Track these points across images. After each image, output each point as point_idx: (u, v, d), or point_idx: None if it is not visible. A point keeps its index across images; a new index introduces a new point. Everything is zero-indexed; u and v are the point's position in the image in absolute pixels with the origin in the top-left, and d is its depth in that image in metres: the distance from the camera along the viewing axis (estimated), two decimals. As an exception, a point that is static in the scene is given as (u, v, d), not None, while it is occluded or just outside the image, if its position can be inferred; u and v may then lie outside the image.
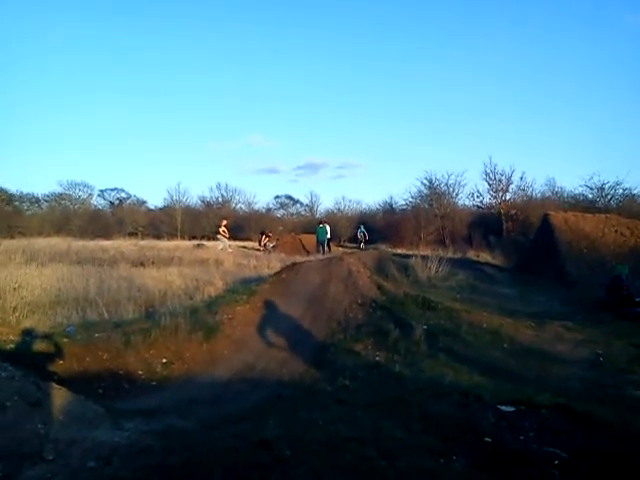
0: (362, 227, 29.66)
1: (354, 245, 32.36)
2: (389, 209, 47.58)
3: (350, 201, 51.92)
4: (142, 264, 16.11)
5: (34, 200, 52.19)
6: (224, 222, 25.58)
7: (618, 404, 5.12)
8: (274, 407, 5.07)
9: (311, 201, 55.46)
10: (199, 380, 6.52)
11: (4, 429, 3.34)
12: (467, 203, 42.37)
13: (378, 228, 32.69)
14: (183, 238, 44.41)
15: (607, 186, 34.69)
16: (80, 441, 3.50)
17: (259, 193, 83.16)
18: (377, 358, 7.08)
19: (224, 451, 3.58)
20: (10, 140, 66.78)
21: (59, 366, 6.04)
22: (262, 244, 26.15)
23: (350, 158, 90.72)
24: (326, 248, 23.13)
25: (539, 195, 38.44)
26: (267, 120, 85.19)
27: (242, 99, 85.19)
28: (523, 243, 24.60)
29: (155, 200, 72.40)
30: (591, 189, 35.43)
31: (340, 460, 3.47)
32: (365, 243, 30.11)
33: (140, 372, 6.39)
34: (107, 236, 36.58)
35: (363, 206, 51.66)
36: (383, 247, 26.30)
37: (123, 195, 57.68)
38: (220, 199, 55.22)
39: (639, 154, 61.18)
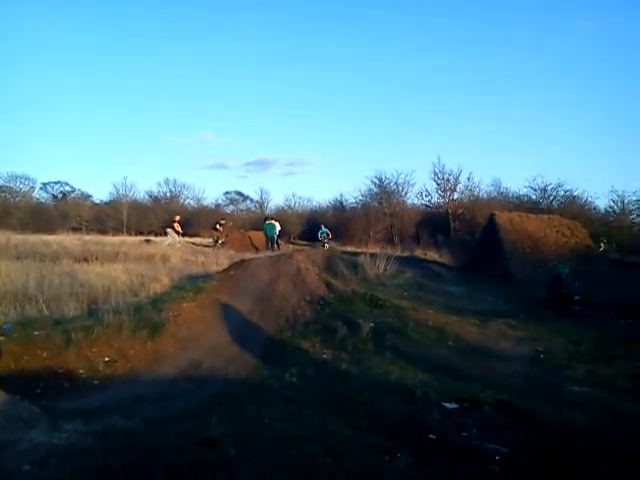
0: (323, 227, 28.77)
1: (305, 242, 32.29)
2: (339, 207, 47.88)
3: (300, 198, 51.83)
4: (86, 259, 15.64)
5: (-30, 192, 50.07)
6: (177, 218, 25.21)
7: (558, 400, 5.28)
8: (220, 405, 5.03)
9: (261, 197, 55.17)
10: (143, 379, 6.38)
11: None
12: (416, 202, 43.21)
13: (328, 225, 32.77)
14: (129, 233, 43.45)
15: (550, 187, 36.12)
16: (14, 443, 3.37)
17: (208, 189, 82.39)
18: (325, 356, 7.09)
19: (167, 450, 3.51)
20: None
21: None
22: (215, 237, 25.83)
23: (301, 155, 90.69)
24: (275, 245, 22.95)
25: (485, 195, 39.73)
26: (218, 117, 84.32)
27: (193, 95, 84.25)
28: (470, 242, 25.11)
29: (101, 194, 70.26)
30: (535, 190, 36.86)
31: (286, 458, 3.46)
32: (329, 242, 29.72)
33: (81, 371, 6.20)
34: (50, 230, 35.38)
35: (314, 203, 51.74)
36: (333, 245, 26.36)
37: (67, 189, 55.91)
38: (168, 194, 54.42)
39: (582, 155, 63.71)
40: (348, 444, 3.79)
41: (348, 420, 4.37)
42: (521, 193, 38.24)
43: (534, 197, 36.81)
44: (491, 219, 19.18)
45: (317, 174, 79.00)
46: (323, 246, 25.18)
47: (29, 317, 7.66)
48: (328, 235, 27.65)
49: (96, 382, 6.04)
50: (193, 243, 27.84)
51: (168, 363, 6.94)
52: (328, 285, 10.34)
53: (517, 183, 71.24)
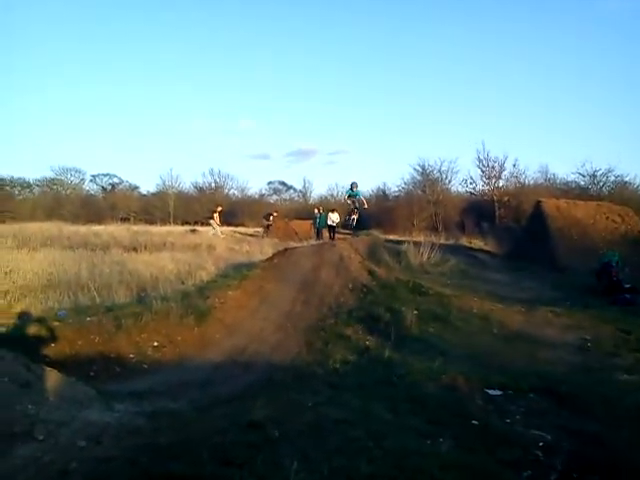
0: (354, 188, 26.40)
1: (347, 232, 31.98)
2: (382, 195, 47.48)
3: (343, 187, 51.81)
4: (134, 249, 16.13)
5: (25, 185, 52.05)
6: (218, 208, 25.48)
7: (603, 387, 5.18)
8: (264, 390, 5.11)
9: (304, 187, 55.51)
10: (190, 363, 6.54)
11: (-4, 410, 3.37)
12: (460, 190, 42.58)
13: (371, 215, 32.43)
14: (176, 223, 44.37)
15: (599, 173, 34.87)
16: (70, 421, 3.54)
17: (252, 179, 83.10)
18: (367, 343, 7.12)
19: (213, 431, 3.62)
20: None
21: (51, 349, 6.07)
22: (266, 226, 25.98)
23: (341, 144, 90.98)
24: (331, 234, 21.83)
25: (532, 182, 38.63)
26: (259, 106, 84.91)
27: (235, 85, 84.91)
28: (515, 230, 24.63)
29: (148, 186, 72.09)
30: (583, 176, 35.63)
31: (328, 441, 3.51)
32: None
33: (131, 355, 6.42)
34: (99, 221, 36.44)
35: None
36: (376, 233, 26.12)
37: (115, 180, 57.54)
38: (213, 185, 55.17)
39: (631, 141, 61.47)
40: (390, 428, 3.82)
41: (390, 405, 4.40)
42: (569, 179, 37.14)
43: (583, 183, 35.64)
44: (538, 206, 18.81)
45: (358, 163, 78.79)
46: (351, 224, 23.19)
47: (82, 304, 7.96)
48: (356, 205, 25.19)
49: (145, 366, 6.24)
50: (237, 232, 28.20)
51: (214, 348, 7.10)
52: (371, 273, 10.35)
53: (565, 169, 69.03)
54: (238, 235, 26.16)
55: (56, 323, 6.65)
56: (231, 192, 55.33)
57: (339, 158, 79.60)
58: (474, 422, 4.12)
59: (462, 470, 3.15)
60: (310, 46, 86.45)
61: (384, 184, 48.82)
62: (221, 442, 3.36)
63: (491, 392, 4.87)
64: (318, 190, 56.03)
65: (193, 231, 27.11)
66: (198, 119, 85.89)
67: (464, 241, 25.22)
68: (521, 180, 38.78)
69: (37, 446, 3.13)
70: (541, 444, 3.68)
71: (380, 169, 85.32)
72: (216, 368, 6.42)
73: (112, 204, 50.88)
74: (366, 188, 44.69)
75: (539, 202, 18.96)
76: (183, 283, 9.83)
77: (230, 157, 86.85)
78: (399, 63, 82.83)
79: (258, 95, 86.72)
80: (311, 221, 23.84)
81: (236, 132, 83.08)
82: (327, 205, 30.44)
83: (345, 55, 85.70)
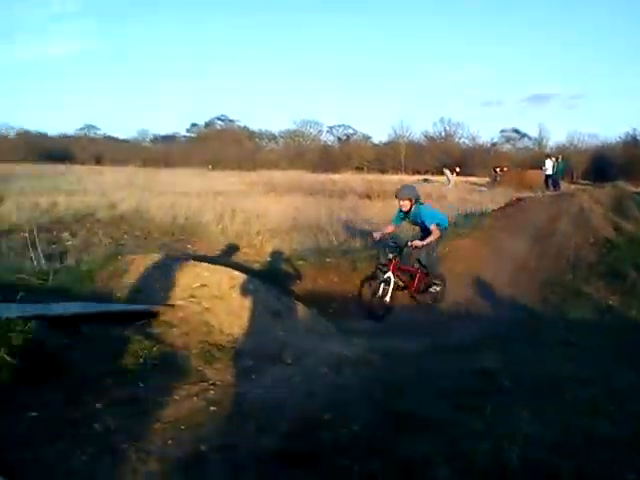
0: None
1: (587, 182, 29.08)
2: (632, 142, 42.03)
3: (583, 134, 47.17)
4: (368, 196, 16.80)
5: (272, 137, 57.30)
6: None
7: None
8: (495, 342, 5.03)
9: (539, 135, 51.75)
10: (420, 310, 6.71)
11: (253, 333, 3.88)
12: None
13: (617, 164, 28.98)
14: (407, 172, 44.89)
15: None
16: (313, 350, 3.91)
17: (483, 127, 79.90)
18: (610, 302, 6.58)
19: (442, 375, 3.70)
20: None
21: (295, 285, 6.71)
22: (494, 177, 25.22)
23: (582, 87, 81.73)
24: (556, 186, 20.53)
25: None
26: (486, 49, 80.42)
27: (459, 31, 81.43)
28: None
29: (380, 136, 73.71)
30: None
31: (563, 398, 3.36)
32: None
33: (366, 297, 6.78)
34: (335, 170, 38.44)
35: (599, 140, 46.55)
36: (622, 184, 23.36)
37: (350, 131, 60.01)
38: (443, 133, 54.44)
39: None
40: (634, 390, 3.53)
41: (636, 366, 4.04)
42: None
43: None
44: None
45: (602, 108, 70.42)
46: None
47: (321, 246, 8.58)
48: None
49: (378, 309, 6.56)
50: (468, 182, 27.64)
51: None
52: (616, 227, 9.43)
53: None
54: (469, 185, 25.59)
55: (300, 262, 7.30)
56: (461, 141, 54.06)
57: (580, 102, 72.14)
58: None
59: None
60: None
61: (634, 129, 43.18)
62: (451, 386, 3.43)
63: None
64: (555, 137, 51.79)
65: (426, 180, 27.26)
66: (426, 67, 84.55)
67: None
68: None
69: (286, 368, 3.53)
70: None
71: (629, 113, 75.23)
72: (446, 317, 6.50)
73: (347, 154, 53.28)
74: (611, 134, 40.02)
75: None
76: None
77: (460, 105, 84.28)
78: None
79: (489, 40, 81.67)
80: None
81: (466, 78, 79.94)
82: (565, 153, 28.11)
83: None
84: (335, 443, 2.39)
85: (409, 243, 6.52)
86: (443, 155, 46.27)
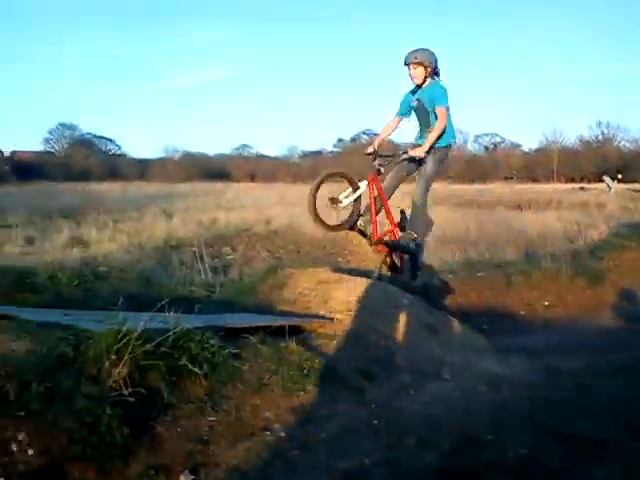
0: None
1: None
2: None
3: None
4: (518, 207, 16.16)
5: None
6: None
7: None
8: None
9: None
10: (581, 326, 6.31)
11: (410, 348, 3.89)
12: None
13: None
14: (560, 181, 42.50)
15: None
16: (470, 367, 3.83)
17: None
18: None
19: (613, 398, 3.44)
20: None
21: (447, 299, 6.61)
22: None
23: None
24: None
25: None
26: None
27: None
28: None
29: (529, 143, 70.49)
30: None
31: None
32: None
33: (522, 312, 6.54)
34: (483, 180, 37.41)
35: None
36: None
37: (497, 140, 58.18)
38: (600, 137, 50.81)
39: None
40: None
41: None
42: None
43: None
44: None
45: None
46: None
47: (472, 259, 8.38)
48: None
49: (536, 324, 6.28)
50: (632, 190, 25.51)
51: (607, 313, 6.71)
52: None
53: None
54: (632, 193, 23.60)
55: (450, 276, 7.18)
56: (622, 144, 50.04)
57: None
58: None
59: None
60: None
61: None
62: (625, 411, 3.19)
63: None
64: None
65: (582, 189, 25.64)
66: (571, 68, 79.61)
67: None
68: None
69: (443, 385, 3.48)
70: None
71: None
72: (609, 334, 6.05)
73: (495, 163, 51.67)
74: None
75: None
76: (571, 242, 9.48)
77: (620, 107, 78.09)
78: None
79: None
80: None
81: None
82: None
83: None
84: (500, 464, 2.32)
85: (404, 154, 4.91)
86: (600, 160, 43.22)
